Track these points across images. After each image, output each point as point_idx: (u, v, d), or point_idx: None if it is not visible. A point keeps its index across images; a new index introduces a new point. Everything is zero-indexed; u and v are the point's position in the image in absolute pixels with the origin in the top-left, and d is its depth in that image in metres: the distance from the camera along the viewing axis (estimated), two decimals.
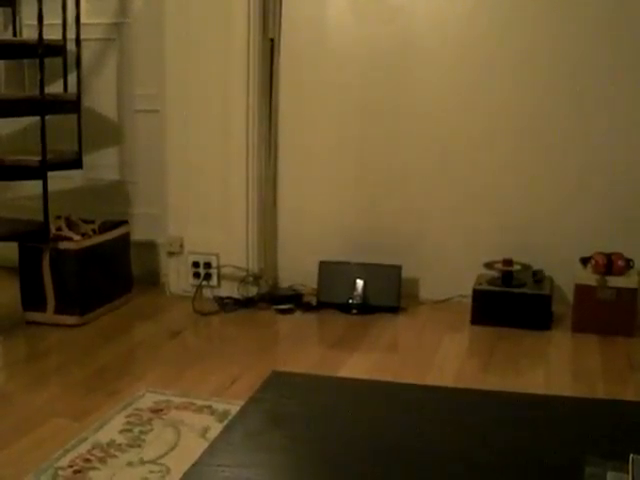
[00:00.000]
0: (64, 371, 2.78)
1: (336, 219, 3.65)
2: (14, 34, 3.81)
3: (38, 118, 3.20)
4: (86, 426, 2.32)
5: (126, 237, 3.61)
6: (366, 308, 3.43)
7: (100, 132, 3.82)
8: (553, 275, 3.38)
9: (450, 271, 3.54)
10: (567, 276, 3.31)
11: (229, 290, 3.59)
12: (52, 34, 3.33)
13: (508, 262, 3.32)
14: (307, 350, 3.01)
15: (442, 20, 3.41)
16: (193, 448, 2.08)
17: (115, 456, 2.14)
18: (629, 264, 3.18)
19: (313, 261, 3.55)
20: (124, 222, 3.62)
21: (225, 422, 2.22)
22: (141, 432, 2.29)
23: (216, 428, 2.26)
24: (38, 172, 3.21)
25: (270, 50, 3.54)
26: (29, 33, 3.74)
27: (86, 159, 3.55)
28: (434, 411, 1.56)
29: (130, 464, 2.10)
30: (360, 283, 3.46)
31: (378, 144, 3.56)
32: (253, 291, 3.58)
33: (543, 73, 3.34)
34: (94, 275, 3.36)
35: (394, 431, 1.46)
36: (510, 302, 3.24)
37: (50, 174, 3.25)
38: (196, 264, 3.62)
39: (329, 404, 1.60)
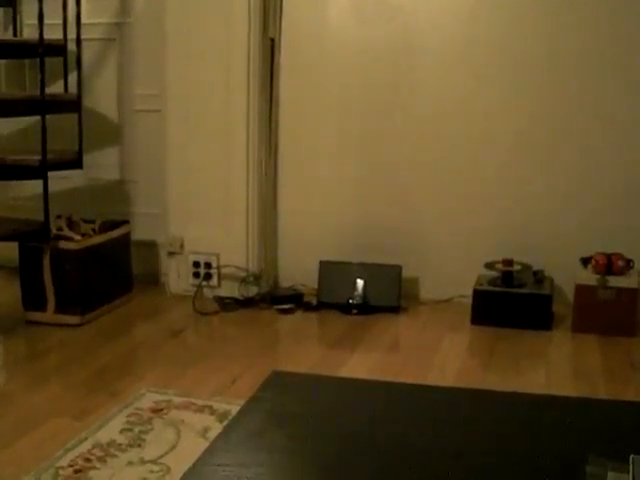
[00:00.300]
0: (64, 371, 2.78)
1: (336, 219, 3.65)
2: (15, 34, 3.81)
3: (38, 118, 3.20)
4: (86, 426, 2.32)
5: (126, 237, 3.61)
6: (366, 308, 3.43)
7: (101, 132, 3.82)
8: (553, 275, 3.38)
9: (450, 271, 3.54)
10: (567, 276, 3.31)
11: (229, 290, 3.59)
12: (53, 34, 3.33)
13: (508, 262, 3.32)
14: (307, 350, 3.01)
15: (442, 19, 3.41)
16: (193, 448, 2.08)
17: (115, 456, 2.14)
18: (629, 264, 3.18)
19: (313, 261, 3.55)
20: (124, 222, 3.62)
21: (225, 422, 2.22)
22: (141, 432, 2.29)
23: (216, 428, 2.26)
24: (38, 172, 3.21)
25: (270, 50, 3.54)
26: (30, 33, 3.74)
27: (86, 159, 3.55)
28: (434, 411, 1.56)
29: (130, 464, 2.10)
30: (360, 283, 3.46)
31: (378, 144, 3.56)
32: (253, 291, 3.58)
33: (543, 73, 3.34)
34: (94, 275, 3.36)
35: (394, 431, 1.46)
36: (510, 302, 3.24)
37: (50, 174, 3.26)
38: (196, 264, 3.62)
39: (329, 404, 1.60)
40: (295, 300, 3.52)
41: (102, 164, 3.85)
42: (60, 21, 3.39)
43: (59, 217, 3.42)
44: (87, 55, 3.72)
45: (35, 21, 3.16)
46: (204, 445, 1.45)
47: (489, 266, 3.34)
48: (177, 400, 2.51)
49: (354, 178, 3.62)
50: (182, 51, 3.47)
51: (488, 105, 3.42)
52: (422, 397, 1.67)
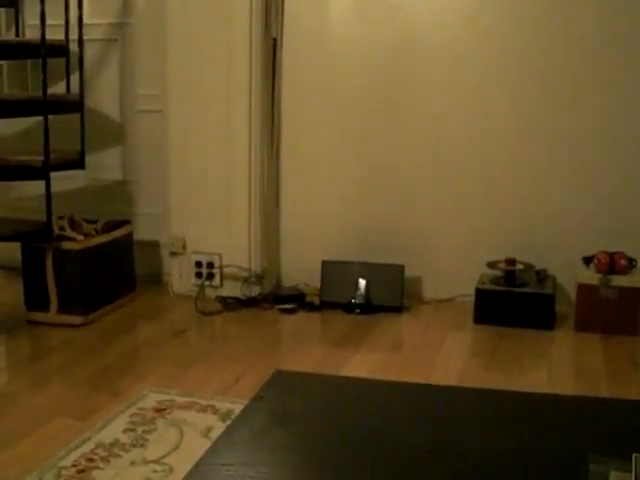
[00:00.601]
0: (67, 371, 2.79)
1: (339, 218, 3.65)
2: (17, 34, 3.81)
3: (41, 118, 3.20)
4: (89, 426, 2.32)
5: (129, 237, 3.61)
6: (369, 307, 3.43)
7: (103, 132, 3.83)
8: (556, 274, 3.38)
9: (453, 270, 3.54)
10: (570, 275, 3.31)
11: (232, 290, 3.59)
12: (55, 34, 3.33)
13: (511, 261, 3.32)
14: (310, 349, 3.01)
15: (443, 19, 3.41)
16: (196, 447, 2.08)
17: (118, 455, 2.15)
18: (632, 263, 3.18)
19: (316, 261, 3.55)
20: (127, 222, 3.63)
21: (228, 421, 2.22)
22: (144, 431, 2.29)
23: (219, 427, 2.26)
24: (41, 172, 3.21)
25: (272, 49, 3.55)
26: (32, 33, 3.74)
27: (89, 159, 3.55)
28: (437, 410, 1.56)
29: (133, 463, 2.10)
30: (363, 283, 3.46)
31: (380, 143, 3.56)
32: (256, 291, 3.59)
33: (544, 72, 3.34)
34: (97, 275, 3.36)
35: (397, 430, 1.46)
36: (513, 301, 3.24)
37: (53, 174, 3.26)
38: (199, 264, 3.62)
39: (332, 403, 1.60)
40: (297, 300, 3.52)
41: (104, 164, 3.85)
42: (62, 22, 3.39)
43: (61, 217, 3.42)
44: (89, 55, 3.72)
45: (37, 22, 3.16)
46: (207, 445, 1.45)
47: (492, 265, 3.34)
48: (180, 400, 2.51)
49: (356, 177, 3.62)
50: (184, 51, 3.47)
51: (489, 105, 3.42)
52: (425, 396, 1.67)
